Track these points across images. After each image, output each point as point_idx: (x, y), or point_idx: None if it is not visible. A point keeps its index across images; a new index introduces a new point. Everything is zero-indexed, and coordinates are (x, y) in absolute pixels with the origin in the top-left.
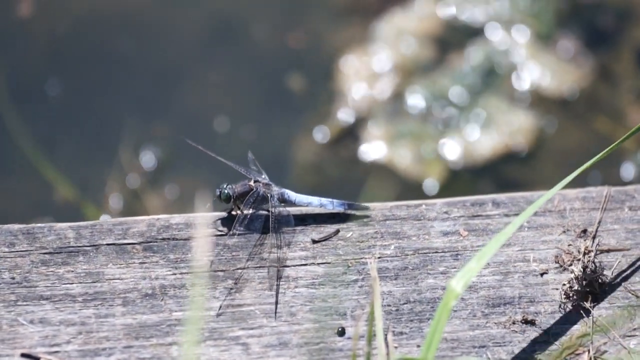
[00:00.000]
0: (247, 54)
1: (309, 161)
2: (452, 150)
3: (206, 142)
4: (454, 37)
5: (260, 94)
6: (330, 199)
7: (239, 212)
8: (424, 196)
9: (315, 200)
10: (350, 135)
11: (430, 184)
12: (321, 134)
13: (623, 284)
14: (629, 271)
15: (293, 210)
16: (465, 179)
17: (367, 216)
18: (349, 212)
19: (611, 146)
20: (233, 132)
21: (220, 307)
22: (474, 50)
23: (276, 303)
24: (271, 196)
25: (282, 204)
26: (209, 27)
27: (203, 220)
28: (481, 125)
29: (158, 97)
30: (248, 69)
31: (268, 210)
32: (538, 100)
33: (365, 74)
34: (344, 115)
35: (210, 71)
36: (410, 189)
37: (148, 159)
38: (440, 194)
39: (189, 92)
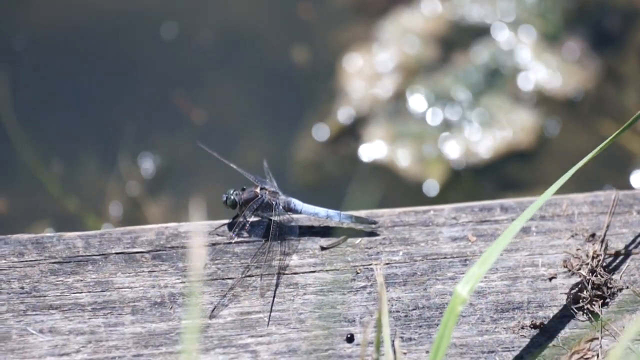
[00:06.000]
0: (250, 61)
1: (309, 159)
2: (454, 150)
3: (210, 147)
4: (459, 37)
5: (263, 97)
6: (337, 211)
7: (241, 218)
8: (424, 196)
9: (322, 211)
10: (351, 134)
11: (432, 184)
12: (321, 132)
13: (631, 287)
14: (637, 275)
15: (301, 218)
16: (468, 179)
17: (375, 233)
18: (354, 225)
19: (605, 142)
20: (235, 136)
21: (215, 308)
22: (478, 50)
23: (270, 310)
24: (276, 204)
25: (288, 213)
26: (213, 33)
27: (198, 229)
28: (484, 125)
29: (157, 104)
30: (250, 75)
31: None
32: (542, 101)
33: (368, 72)
34: (345, 114)
35: (213, 77)
36: (411, 189)
37: (149, 166)
38: (442, 194)
39: (192, 97)
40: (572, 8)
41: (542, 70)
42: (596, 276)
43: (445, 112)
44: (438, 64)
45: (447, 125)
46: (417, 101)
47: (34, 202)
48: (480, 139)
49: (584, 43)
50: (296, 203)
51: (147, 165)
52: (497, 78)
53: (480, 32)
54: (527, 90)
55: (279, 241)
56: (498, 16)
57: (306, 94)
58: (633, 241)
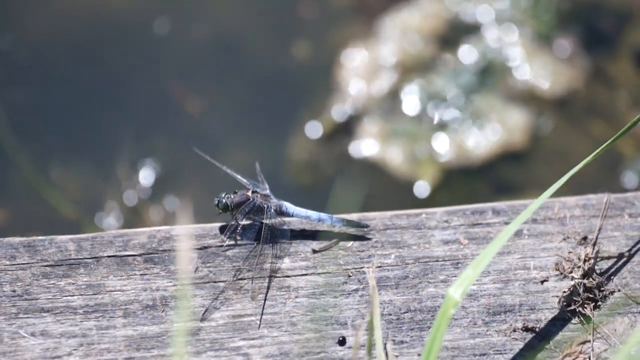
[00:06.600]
0: (246, 66)
1: (301, 156)
2: (446, 149)
3: (204, 146)
4: (454, 36)
5: (257, 95)
6: (329, 214)
7: (233, 221)
8: (415, 196)
9: (313, 214)
10: (345, 131)
11: (423, 184)
12: (315, 130)
13: (623, 290)
14: (628, 277)
15: (293, 221)
16: (460, 179)
17: (367, 238)
18: (346, 228)
19: (602, 147)
20: (226, 139)
21: (206, 310)
22: (470, 49)
23: (262, 314)
24: (267, 207)
25: (280, 216)
26: (208, 38)
27: (189, 232)
28: (476, 124)
29: (152, 104)
30: (246, 82)
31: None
32: (533, 100)
33: (364, 70)
34: (340, 111)
35: (208, 82)
36: (401, 188)
37: (146, 172)
38: (434, 194)
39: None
40: (566, 8)
41: (534, 69)
42: (588, 279)
43: (439, 112)
44: (433, 63)
45: (440, 125)
46: (411, 100)
47: (30, 210)
48: (473, 139)
49: (576, 42)
50: (288, 206)
51: (144, 168)
52: (490, 77)
53: (474, 31)
54: (518, 89)
55: (271, 244)
56: (492, 16)
57: (301, 91)
58: (625, 244)
